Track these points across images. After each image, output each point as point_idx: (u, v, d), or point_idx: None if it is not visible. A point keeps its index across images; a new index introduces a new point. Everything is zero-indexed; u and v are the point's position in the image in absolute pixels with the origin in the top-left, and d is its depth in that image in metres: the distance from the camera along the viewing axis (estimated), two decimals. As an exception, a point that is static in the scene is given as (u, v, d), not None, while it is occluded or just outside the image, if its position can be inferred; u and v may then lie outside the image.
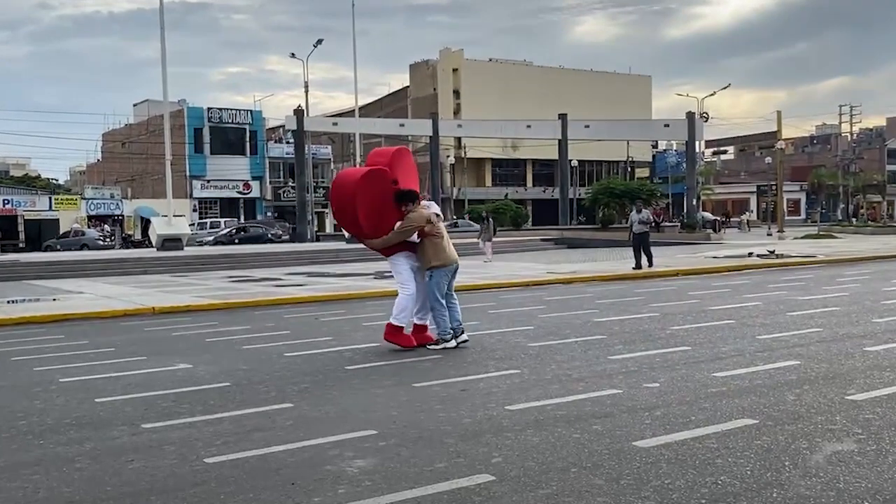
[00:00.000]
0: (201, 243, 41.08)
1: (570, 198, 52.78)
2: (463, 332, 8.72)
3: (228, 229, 45.28)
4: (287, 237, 49.95)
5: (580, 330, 9.74)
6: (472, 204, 60.62)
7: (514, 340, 9.02)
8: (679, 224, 47.45)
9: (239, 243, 39.75)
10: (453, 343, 8.52)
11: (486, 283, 17.32)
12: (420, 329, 8.68)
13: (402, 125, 53.11)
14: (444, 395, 6.26)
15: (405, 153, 8.95)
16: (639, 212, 20.14)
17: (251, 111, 59.58)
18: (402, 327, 8.47)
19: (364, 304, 13.74)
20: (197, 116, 56.93)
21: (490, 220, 27.29)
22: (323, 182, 62.59)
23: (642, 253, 19.83)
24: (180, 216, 35.89)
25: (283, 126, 57.82)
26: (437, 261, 8.56)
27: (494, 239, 27.11)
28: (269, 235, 43.98)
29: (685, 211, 51.80)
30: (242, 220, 55.56)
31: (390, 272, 9.00)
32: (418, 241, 8.55)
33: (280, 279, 20.03)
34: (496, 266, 22.99)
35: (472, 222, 43.10)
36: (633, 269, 19.31)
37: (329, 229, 57.60)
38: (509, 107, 64.44)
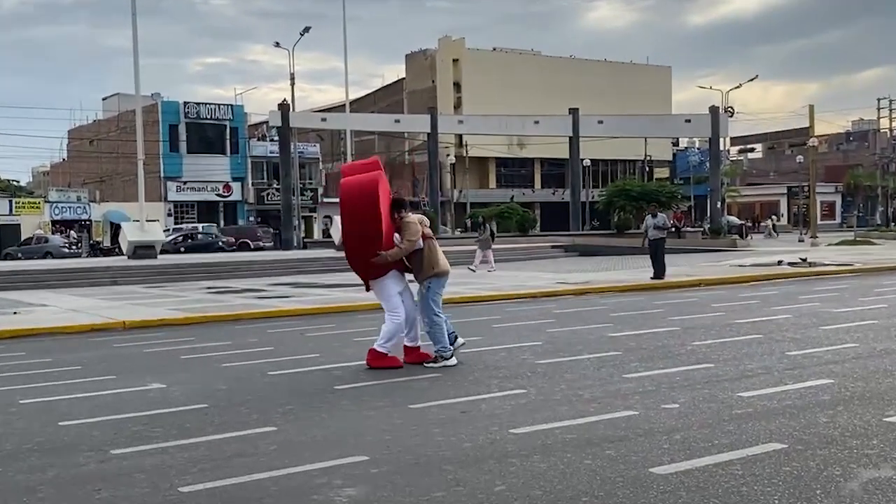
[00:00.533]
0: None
1: (583, 201, 52.87)
2: (458, 337, 8.81)
3: (173, 236, 44.99)
4: (271, 244, 50.09)
5: (593, 346, 9.76)
6: (475, 207, 60.65)
7: (521, 357, 9.03)
8: (702, 229, 47.53)
9: (185, 252, 39.19)
10: (454, 361, 8.54)
11: (489, 294, 17.33)
12: (411, 350, 8.70)
13: (397, 121, 53.26)
14: (443, 417, 6.27)
15: (378, 164, 8.94)
16: (654, 216, 20.13)
17: (232, 106, 59.74)
18: (385, 354, 8.46)
19: (354, 318, 13.76)
20: (172, 112, 57.08)
21: (487, 225, 27.09)
22: (310, 184, 62.73)
23: (663, 260, 19.86)
24: (154, 221, 35.91)
25: (266, 122, 57.95)
26: (438, 268, 8.62)
27: (494, 246, 26.98)
28: (220, 244, 43.87)
29: (709, 215, 51.91)
30: (222, 224, 55.66)
31: None
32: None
33: (263, 290, 20.06)
34: (501, 276, 23.01)
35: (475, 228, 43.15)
36: (651, 278, 19.33)
37: (317, 235, 57.73)
38: (515, 101, 64.60)
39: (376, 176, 8.29)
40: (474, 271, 24.51)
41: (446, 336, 8.60)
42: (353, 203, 8.20)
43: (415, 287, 8.88)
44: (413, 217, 8.64)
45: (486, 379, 7.80)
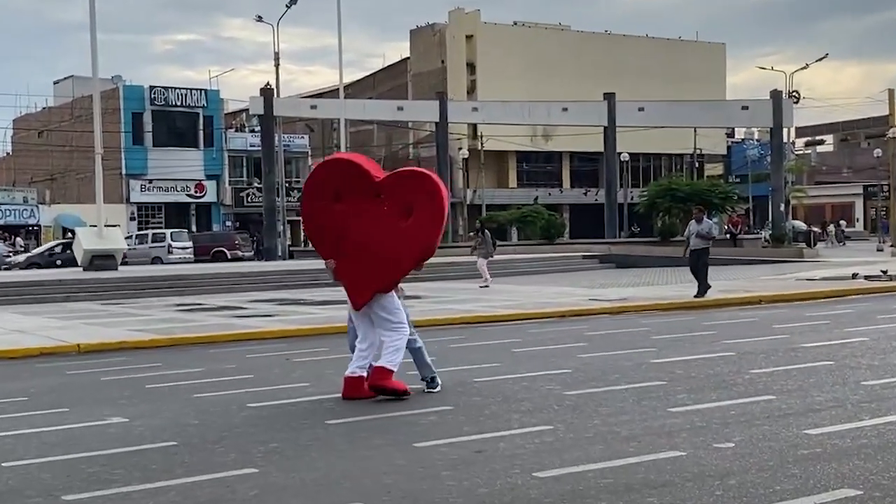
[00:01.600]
0: (9, 267, 40.13)
1: (620, 202, 52.80)
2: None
3: (47, 246, 44.27)
4: (251, 254, 50.20)
5: (632, 374, 9.77)
6: (492, 210, 60.74)
7: (546, 388, 9.04)
8: (762, 237, 47.43)
9: (61, 266, 38.00)
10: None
11: (509, 313, 17.33)
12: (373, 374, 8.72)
13: (400, 108, 53.36)
14: (454, 457, 6.27)
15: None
16: (698, 221, 19.81)
17: (205, 91, 59.98)
18: (394, 371, 8.56)
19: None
20: (136, 98, 57.34)
21: (486, 232, 26.77)
22: (298, 182, 62.75)
23: (705, 276, 19.69)
24: (114, 226, 35.98)
25: (246, 110, 58.12)
26: None
27: (510, 256, 26.80)
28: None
29: (770, 219, 51.78)
30: (194, 230, 55.83)
31: None
32: None
33: (242, 308, 20.12)
34: (523, 292, 23.01)
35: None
36: (695, 296, 19.27)
37: (305, 244, 57.77)
38: (540, 84, 64.62)
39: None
40: (488, 286, 24.26)
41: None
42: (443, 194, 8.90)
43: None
44: None
45: (505, 413, 7.80)
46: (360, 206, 8.76)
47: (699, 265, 19.61)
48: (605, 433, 6.89)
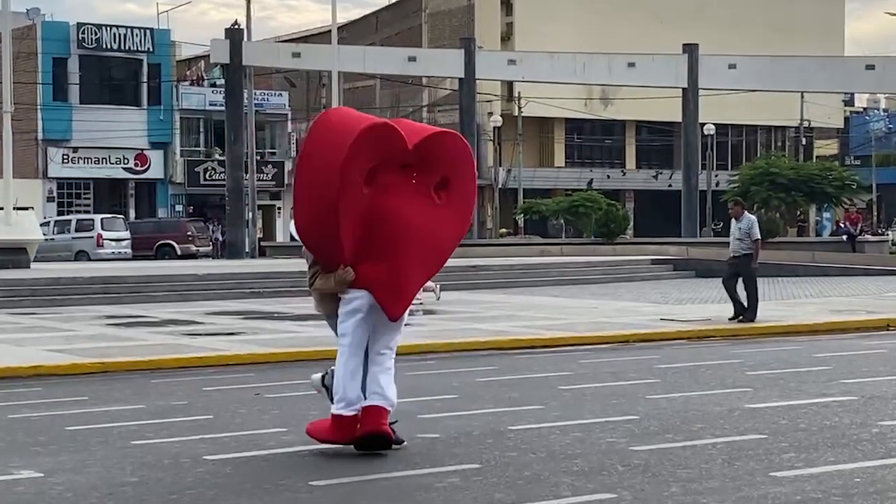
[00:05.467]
0: None
1: (702, 189, 52.71)
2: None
3: None
4: (209, 248, 50.14)
5: (721, 424, 9.69)
6: (531, 196, 60.67)
7: (606, 440, 8.98)
8: (890, 239, 47.26)
9: None
10: None
11: (555, 336, 17.32)
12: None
13: (412, 59, 53.35)
14: (485, 537, 6.23)
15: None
16: (737, 218, 19.77)
17: (151, 31, 60.11)
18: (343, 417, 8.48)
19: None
20: (59, 38, 57.46)
21: None
22: (273, 154, 62.77)
23: (744, 290, 19.55)
24: (26, 209, 35.96)
25: (206, 57, 58.17)
26: None
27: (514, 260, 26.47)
28: None
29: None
30: (133, 216, 55.90)
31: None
32: None
33: (196, 323, 20.11)
34: (573, 307, 23.02)
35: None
36: (730, 319, 19.27)
37: (281, 237, 57.77)
38: (599, 30, 64.57)
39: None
40: (438, 298, 22.09)
41: None
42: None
43: None
44: None
45: (551, 475, 7.72)
46: (386, 181, 8.59)
47: (744, 277, 19.58)
48: (689, 505, 6.81)
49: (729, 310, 19.51)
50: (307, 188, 8.60)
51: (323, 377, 8.85)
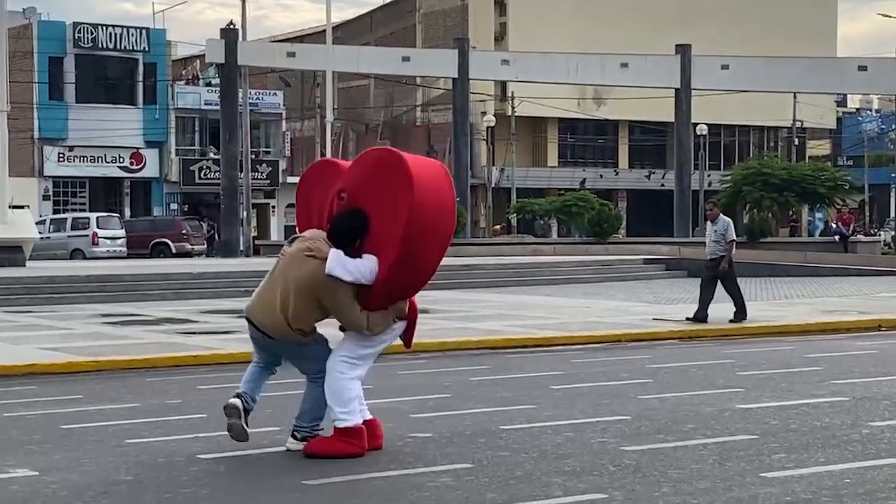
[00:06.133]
0: None
1: (694, 188, 52.63)
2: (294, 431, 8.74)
3: None
4: (204, 247, 50.10)
5: (712, 424, 9.71)
6: (525, 195, 60.70)
7: (598, 440, 9.00)
8: (881, 239, 47.30)
9: None
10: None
11: (547, 335, 17.30)
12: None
13: (406, 59, 53.25)
14: (476, 535, 6.25)
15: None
16: (712, 220, 19.65)
17: (147, 30, 60.02)
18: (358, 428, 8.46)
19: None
20: (55, 38, 57.38)
21: None
22: (268, 153, 62.74)
23: (723, 292, 19.37)
24: (22, 208, 35.91)
25: (201, 57, 58.13)
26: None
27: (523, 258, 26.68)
28: None
29: (892, 216, 51.71)
30: (129, 215, 55.83)
31: None
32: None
33: (191, 321, 20.10)
34: (565, 307, 22.98)
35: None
36: (689, 318, 19.10)
37: (276, 235, 57.79)
38: (591, 31, 64.55)
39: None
40: None
41: None
42: (441, 184, 8.57)
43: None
44: None
45: (543, 474, 7.74)
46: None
47: (723, 277, 19.41)
48: (679, 505, 6.83)
49: (720, 310, 19.40)
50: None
51: None
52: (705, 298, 19.32)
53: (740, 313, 19.26)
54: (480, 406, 10.66)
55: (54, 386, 12.70)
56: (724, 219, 19.89)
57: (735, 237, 19.65)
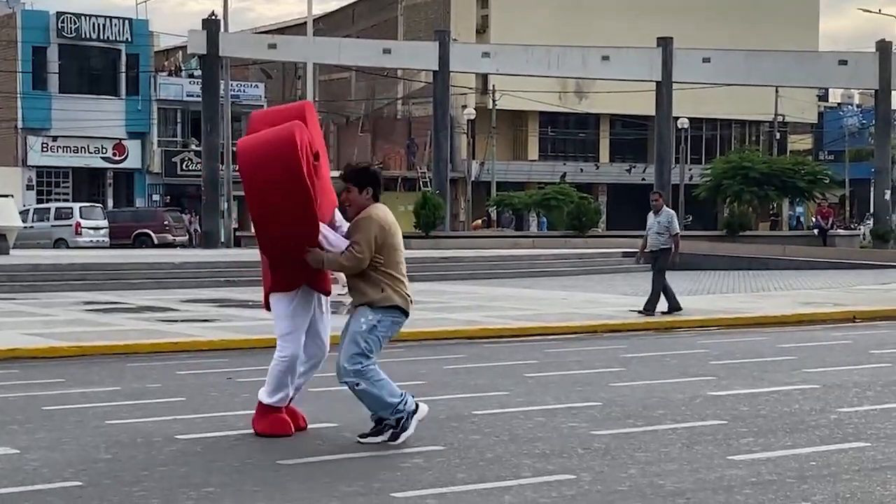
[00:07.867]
0: None
1: (675, 183, 52.70)
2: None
3: None
4: (185, 238, 50.01)
5: (682, 410, 9.80)
6: (505, 189, 60.66)
7: (568, 425, 9.06)
8: (860, 233, 47.48)
9: None
10: (412, 428, 8.29)
11: (524, 326, 17.35)
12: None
13: (387, 52, 53.08)
14: (445, 513, 6.30)
15: (311, 111, 8.83)
16: (656, 212, 19.28)
17: (130, 21, 59.74)
18: (278, 408, 8.54)
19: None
20: (38, 27, 57.08)
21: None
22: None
23: (661, 285, 19.04)
24: (6, 197, 35.89)
25: (183, 48, 57.90)
26: (402, 300, 8.41)
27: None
28: None
29: (871, 210, 51.85)
30: (111, 205, 55.69)
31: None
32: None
33: (171, 309, 20.16)
34: (543, 298, 23.04)
35: None
36: (640, 311, 18.77)
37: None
38: (573, 24, 64.43)
39: (292, 129, 8.24)
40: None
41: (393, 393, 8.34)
42: (261, 174, 8.33)
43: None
44: (377, 214, 8.27)
45: (513, 456, 7.81)
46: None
47: (656, 268, 19.11)
48: (644, 486, 6.91)
49: (694, 301, 19.37)
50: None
51: None
52: (668, 290, 18.97)
53: (650, 305, 18.74)
54: (454, 392, 10.75)
55: (37, 370, 12.79)
56: (668, 211, 19.66)
57: (679, 230, 19.34)
